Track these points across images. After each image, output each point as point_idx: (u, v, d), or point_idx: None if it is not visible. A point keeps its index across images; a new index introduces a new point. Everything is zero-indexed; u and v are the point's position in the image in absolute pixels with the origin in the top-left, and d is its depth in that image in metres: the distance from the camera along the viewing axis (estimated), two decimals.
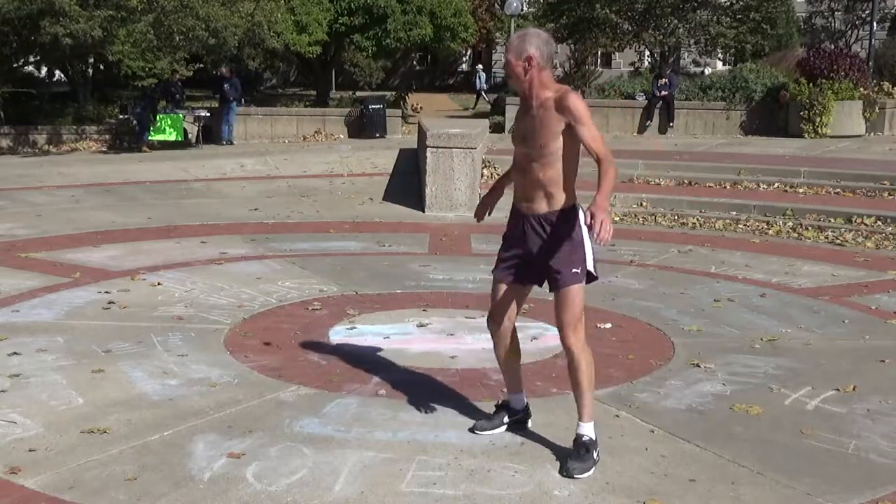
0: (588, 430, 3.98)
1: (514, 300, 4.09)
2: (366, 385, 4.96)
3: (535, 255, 3.93)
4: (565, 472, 3.85)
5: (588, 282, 3.94)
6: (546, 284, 4.01)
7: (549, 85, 3.82)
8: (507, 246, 4.08)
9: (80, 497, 3.61)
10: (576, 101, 3.74)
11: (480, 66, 36.89)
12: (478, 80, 34.00)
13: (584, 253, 3.87)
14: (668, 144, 16.62)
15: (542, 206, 3.87)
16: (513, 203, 4.03)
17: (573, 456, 3.92)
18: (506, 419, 4.28)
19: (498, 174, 12.04)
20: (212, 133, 18.09)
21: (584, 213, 3.72)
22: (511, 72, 3.83)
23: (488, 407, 4.51)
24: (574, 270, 3.85)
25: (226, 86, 18.27)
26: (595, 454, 3.94)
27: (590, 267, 3.89)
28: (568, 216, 3.86)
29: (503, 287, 4.08)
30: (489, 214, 4.31)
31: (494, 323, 4.15)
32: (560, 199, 3.85)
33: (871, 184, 11.97)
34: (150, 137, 16.97)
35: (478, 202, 4.26)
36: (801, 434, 4.38)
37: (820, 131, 17.13)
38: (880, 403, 4.82)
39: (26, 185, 12.78)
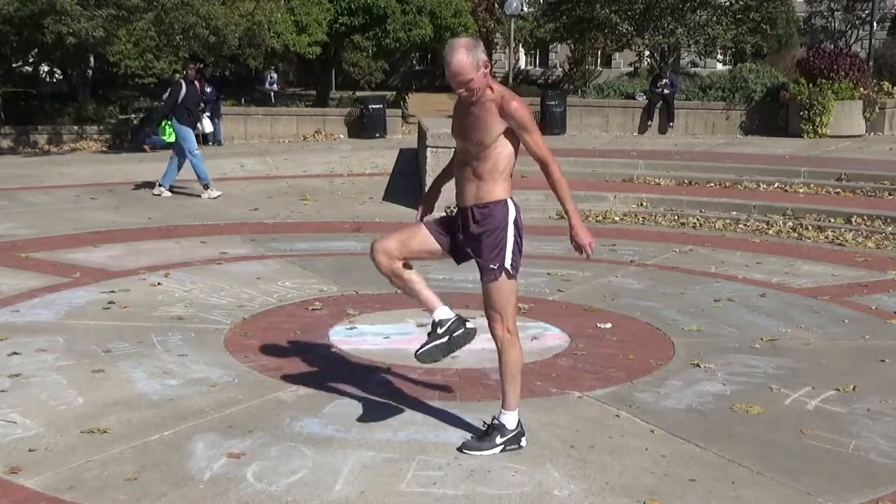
0: (507, 420, 4.06)
1: (423, 249, 4.06)
2: (366, 385, 4.96)
3: (464, 243, 4.01)
4: (463, 445, 4.06)
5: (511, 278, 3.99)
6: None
7: (492, 86, 3.90)
8: (447, 219, 4.13)
9: (80, 497, 3.61)
10: (519, 109, 3.83)
11: None
12: None
13: (505, 251, 3.93)
14: (668, 144, 16.63)
15: (473, 199, 3.95)
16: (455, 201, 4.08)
17: (478, 434, 4.10)
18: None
19: None
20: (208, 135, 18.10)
21: (573, 241, 3.95)
22: (471, 84, 3.81)
23: (489, 407, 4.50)
24: (492, 266, 3.93)
25: (209, 88, 18.26)
26: (500, 442, 4.03)
27: (507, 265, 3.93)
28: (495, 211, 3.93)
29: (422, 231, 4.06)
30: (430, 214, 4.30)
31: (385, 255, 3.97)
32: (492, 194, 3.92)
33: (871, 184, 11.97)
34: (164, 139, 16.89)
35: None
36: (801, 434, 4.38)
37: (820, 131, 17.13)
38: (880, 403, 4.82)
39: (27, 184, 12.78)
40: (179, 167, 12.33)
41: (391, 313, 6.44)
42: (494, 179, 3.91)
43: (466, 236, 3.99)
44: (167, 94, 12.45)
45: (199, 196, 12.20)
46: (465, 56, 3.75)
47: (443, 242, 4.06)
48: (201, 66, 19.76)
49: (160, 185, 12.33)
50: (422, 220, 4.24)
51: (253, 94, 26.40)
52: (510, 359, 4.03)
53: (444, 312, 4.02)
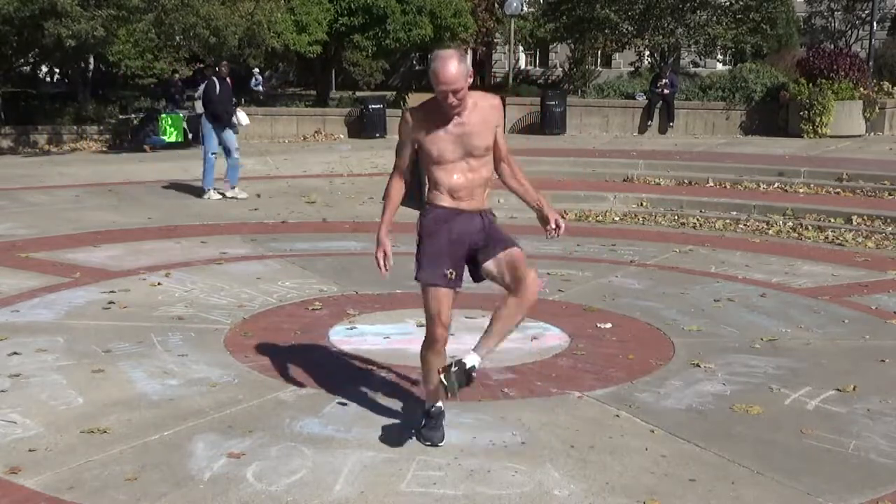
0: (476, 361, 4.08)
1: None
2: (366, 385, 4.96)
3: (481, 245, 4.00)
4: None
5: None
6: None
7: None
8: (446, 251, 3.99)
9: (80, 497, 3.61)
10: (501, 107, 4.05)
11: None
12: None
13: None
14: (668, 144, 16.63)
15: (482, 204, 4.02)
16: (444, 206, 3.98)
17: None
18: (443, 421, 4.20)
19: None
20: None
21: (551, 224, 4.04)
22: (461, 94, 3.82)
23: (489, 407, 4.51)
24: (515, 241, 4.03)
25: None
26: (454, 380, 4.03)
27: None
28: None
29: (451, 294, 4.01)
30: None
31: (446, 329, 4.00)
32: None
33: (871, 184, 11.98)
34: (165, 139, 16.87)
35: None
36: (801, 434, 4.38)
37: (820, 131, 17.12)
38: (880, 403, 4.82)
39: (27, 184, 12.77)
40: (234, 165, 12.21)
41: (391, 313, 6.44)
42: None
43: (480, 235, 3.99)
44: (200, 91, 12.16)
45: (200, 197, 12.19)
46: (458, 66, 3.77)
47: (461, 281, 4.04)
48: (201, 66, 19.81)
49: (231, 187, 12.19)
50: (387, 270, 4.03)
51: (252, 94, 26.38)
52: (532, 306, 4.04)
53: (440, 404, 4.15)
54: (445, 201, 3.98)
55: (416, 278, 4.00)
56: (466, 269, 4.05)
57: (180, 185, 12.93)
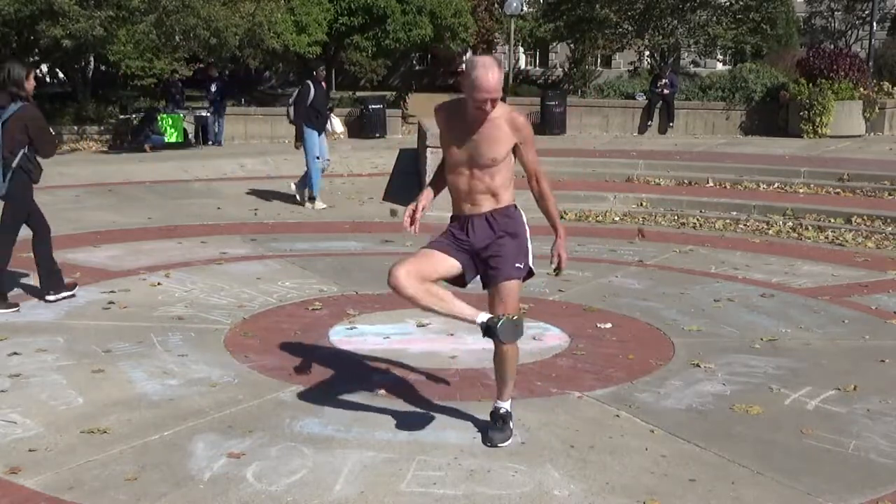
0: (507, 405, 4.22)
1: (443, 273, 4.01)
2: (366, 385, 4.96)
3: (482, 250, 4.02)
4: (491, 440, 4.14)
5: (526, 278, 4.11)
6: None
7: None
8: (449, 245, 4.07)
9: (80, 497, 3.61)
10: (527, 126, 3.99)
11: None
12: None
13: (529, 253, 4.07)
14: (667, 144, 16.62)
15: (489, 206, 4.01)
16: (455, 211, 4.11)
17: (497, 427, 4.18)
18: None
19: None
20: (208, 133, 18.12)
21: (553, 260, 4.09)
22: (496, 102, 3.85)
23: (489, 407, 4.50)
24: (518, 266, 4.01)
25: (213, 86, 18.23)
26: (513, 428, 4.22)
27: (531, 265, 4.09)
28: (515, 214, 4.06)
29: (440, 255, 4.00)
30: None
31: (409, 277, 3.82)
32: (506, 200, 4.04)
33: (871, 184, 11.97)
34: (166, 139, 16.80)
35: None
36: (801, 434, 4.38)
37: (820, 131, 17.12)
38: (880, 403, 4.82)
39: None
40: (318, 169, 11.74)
41: (391, 313, 6.44)
42: (507, 188, 4.02)
43: (483, 241, 3.99)
44: (294, 96, 11.72)
45: (303, 205, 11.71)
46: (499, 74, 3.80)
47: (462, 260, 4.02)
48: (201, 66, 19.78)
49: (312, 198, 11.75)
50: (413, 219, 4.06)
51: (252, 94, 26.36)
52: (515, 357, 4.12)
53: (483, 315, 3.93)
54: (453, 204, 4.09)
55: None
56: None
57: (180, 185, 12.93)
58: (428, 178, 4.16)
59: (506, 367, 4.12)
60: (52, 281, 6.68)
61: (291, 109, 11.60)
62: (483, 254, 4.02)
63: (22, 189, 6.42)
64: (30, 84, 6.38)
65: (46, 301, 6.57)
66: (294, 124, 11.65)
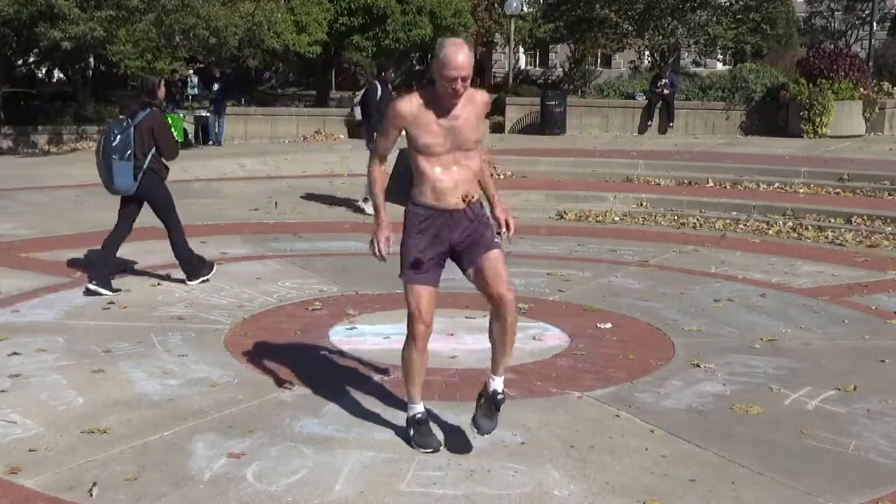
0: (500, 385, 4.13)
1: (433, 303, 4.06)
2: (366, 385, 4.96)
3: (459, 244, 3.99)
4: (480, 429, 4.08)
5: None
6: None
7: None
8: (427, 244, 3.99)
9: (80, 497, 3.61)
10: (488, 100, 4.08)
11: None
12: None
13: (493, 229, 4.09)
14: (667, 144, 16.63)
15: (473, 192, 4.01)
16: (426, 205, 3.97)
17: (483, 414, 4.11)
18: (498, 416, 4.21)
19: (498, 174, 12.04)
20: (209, 133, 18.11)
21: (498, 218, 4.00)
22: (468, 82, 3.84)
23: None
24: (496, 240, 4.03)
25: (216, 86, 18.21)
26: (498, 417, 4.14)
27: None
28: (480, 207, 4.08)
29: (431, 290, 4.01)
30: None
31: (426, 326, 4.00)
32: (477, 189, 4.07)
33: (871, 184, 11.97)
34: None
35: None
36: (801, 434, 4.38)
37: (820, 131, 17.13)
38: (880, 403, 4.82)
39: (27, 184, 12.78)
40: None
41: (391, 313, 6.43)
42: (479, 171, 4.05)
43: (460, 234, 3.97)
44: (360, 97, 11.35)
45: (359, 207, 11.45)
46: (468, 53, 3.80)
47: (438, 276, 4.03)
48: (200, 65, 19.76)
49: (364, 199, 11.14)
50: (384, 253, 3.99)
51: (252, 94, 26.38)
52: (516, 320, 4.07)
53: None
54: (428, 198, 3.94)
55: (399, 276, 4.03)
56: (454, 264, 4.07)
57: (180, 185, 12.90)
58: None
59: (507, 337, 4.03)
60: (191, 267, 7.20)
61: (358, 110, 11.45)
62: (459, 246, 3.99)
63: (157, 188, 7.05)
64: (161, 93, 7.07)
65: (188, 284, 7.10)
66: (361, 126, 11.49)
